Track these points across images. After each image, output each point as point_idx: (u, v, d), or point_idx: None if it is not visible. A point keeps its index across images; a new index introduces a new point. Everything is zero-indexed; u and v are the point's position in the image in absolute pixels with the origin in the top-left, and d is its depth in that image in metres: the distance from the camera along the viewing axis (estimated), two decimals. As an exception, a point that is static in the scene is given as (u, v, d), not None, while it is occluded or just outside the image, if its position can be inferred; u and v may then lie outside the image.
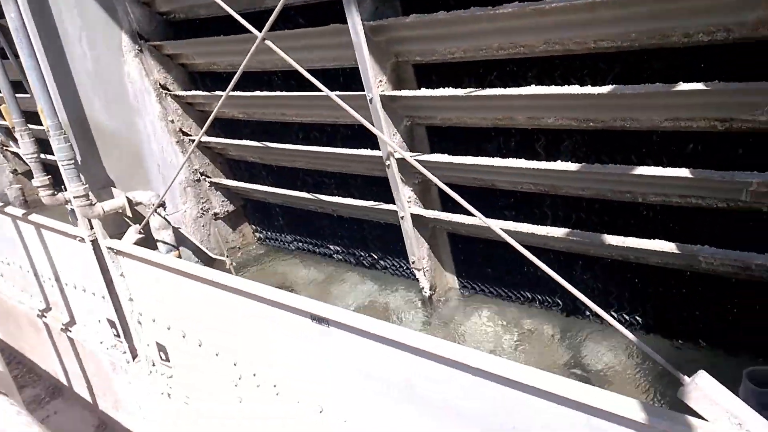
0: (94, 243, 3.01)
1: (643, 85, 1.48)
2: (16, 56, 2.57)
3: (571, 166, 1.75)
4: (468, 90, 1.83)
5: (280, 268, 3.50)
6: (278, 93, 2.51)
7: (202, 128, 3.28)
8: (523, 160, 1.87)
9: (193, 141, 3.24)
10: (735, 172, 1.46)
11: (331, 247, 3.27)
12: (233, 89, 2.01)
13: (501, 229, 1.64)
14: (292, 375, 2.11)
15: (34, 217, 3.49)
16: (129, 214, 2.94)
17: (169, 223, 2.90)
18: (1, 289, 4.60)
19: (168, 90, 3.10)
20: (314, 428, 2.06)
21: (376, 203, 2.47)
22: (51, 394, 4.74)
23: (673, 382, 1.85)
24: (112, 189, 2.95)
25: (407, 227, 2.32)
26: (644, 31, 1.47)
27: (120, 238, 2.96)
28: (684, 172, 1.52)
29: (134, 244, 2.87)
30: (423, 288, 2.50)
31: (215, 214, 3.51)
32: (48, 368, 4.62)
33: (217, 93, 2.87)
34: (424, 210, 2.28)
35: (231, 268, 2.61)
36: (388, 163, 2.18)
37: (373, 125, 2.11)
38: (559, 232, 1.91)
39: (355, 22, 1.89)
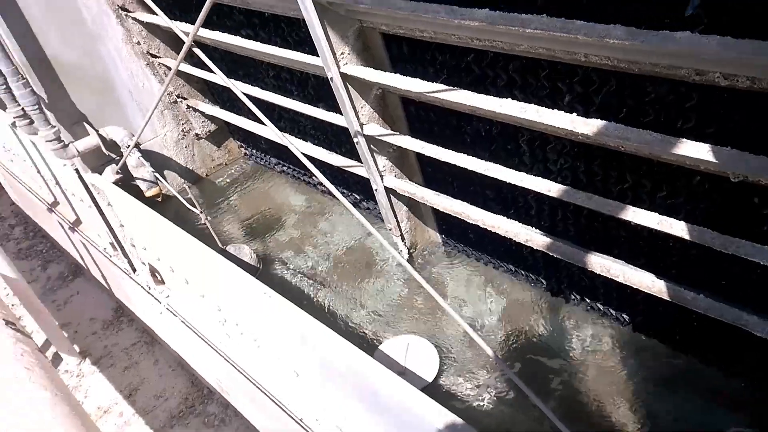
0: (77, 171, 2.96)
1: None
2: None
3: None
4: (440, 87, 1.57)
5: (268, 190, 3.43)
6: (240, 42, 2.22)
7: (171, 48, 3.02)
8: (502, 168, 1.66)
9: (165, 65, 2.98)
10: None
11: (314, 178, 3.14)
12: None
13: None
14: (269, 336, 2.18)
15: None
16: (106, 152, 2.83)
17: (144, 163, 2.80)
18: (17, 173, 4.63)
19: (128, 11, 2.76)
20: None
21: (349, 162, 2.30)
22: (73, 272, 5.04)
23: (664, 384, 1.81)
24: (85, 125, 2.82)
25: (381, 199, 2.19)
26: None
27: (101, 172, 2.91)
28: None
29: (113, 183, 2.82)
30: (400, 251, 2.44)
31: (197, 134, 3.35)
32: (66, 247, 4.82)
33: (181, 24, 2.54)
34: (401, 182, 2.12)
35: (207, 223, 2.56)
36: (356, 140, 1.98)
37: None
38: (541, 241, 1.77)
39: (304, 1, 1.57)
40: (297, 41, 2.10)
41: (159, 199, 2.97)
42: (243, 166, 3.65)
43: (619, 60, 1.18)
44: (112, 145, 2.84)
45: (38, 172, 4.04)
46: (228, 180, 3.57)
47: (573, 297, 2.15)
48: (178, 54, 3.04)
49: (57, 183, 3.81)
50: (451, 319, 2.35)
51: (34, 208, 4.95)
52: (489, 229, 1.89)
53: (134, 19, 2.78)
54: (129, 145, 2.71)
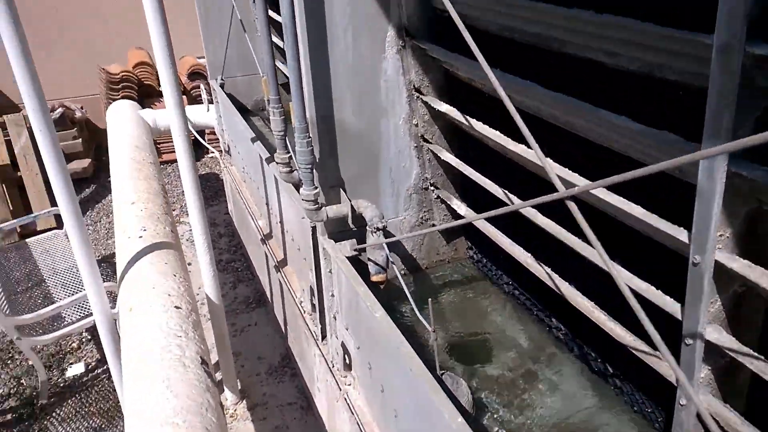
0: (314, 230, 2.92)
1: None
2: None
3: None
4: None
5: (486, 307, 3.07)
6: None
7: (444, 137, 2.89)
8: None
9: (433, 152, 2.84)
10: None
11: (554, 320, 2.71)
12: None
13: None
14: None
15: (273, 167, 3.52)
16: (350, 224, 2.74)
17: (384, 248, 2.64)
18: (245, 193, 4.96)
19: (421, 93, 2.69)
20: None
21: (647, 348, 1.83)
22: (257, 300, 5.17)
23: None
24: (341, 191, 2.77)
25: (684, 419, 1.67)
26: None
27: (336, 238, 2.82)
28: None
29: (346, 257, 2.70)
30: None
31: (434, 224, 3.17)
32: (261, 276, 4.96)
33: (475, 122, 2.37)
34: (719, 407, 1.60)
35: (435, 344, 2.27)
36: (688, 342, 1.52)
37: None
38: None
39: (714, 168, 1.20)
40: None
41: (382, 287, 2.78)
42: (465, 268, 3.37)
43: None
44: (358, 218, 2.75)
45: (266, 203, 4.22)
46: (445, 279, 3.31)
47: None
48: (448, 142, 2.92)
49: (280, 222, 3.90)
50: None
51: (246, 228, 5.23)
52: None
53: (423, 102, 2.71)
54: (378, 227, 2.58)
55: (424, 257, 3.26)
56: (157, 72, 7.68)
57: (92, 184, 6.99)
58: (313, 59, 2.39)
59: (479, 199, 2.93)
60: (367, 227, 2.65)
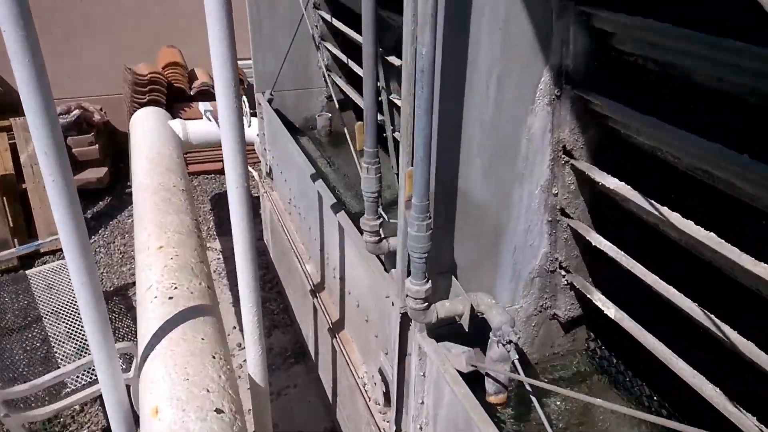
0: (403, 317, 2.25)
1: None
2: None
3: None
4: None
5: (611, 426, 2.38)
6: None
7: (588, 210, 2.20)
8: None
9: (573, 228, 2.14)
10: None
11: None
12: None
13: None
14: None
15: (341, 216, 2.85)
16: (465, 326, 2.06)
17: (516, 366, 1.95)
18: (287, 224, 4.25)
19: (572, 157, 2.00)
20: None
21: None
22: (297, 353, 4.48)
23: None
24: (454, 281, 2.08)
25: None
26: None
27: (437, 336, 2.15)
28: None
29: (458, 370, 2.02)
30: None
31: (555, 315, 2.48)
32: (303, 328, 4.25)
33: (669, 212, 1.66)
34: None
35: None
36: None
37: None
38: None
39: None
40: None
41: (500, 407, 2.10)
42: (582, 365, 2.67)
43: None
44: (475, 317, 2.06)
45: (321, 250, 3.55)
46: (558, 375, 2.62)
47: None
48: (592, 219, 2.23)
49: (340, 278, 3.26)
50: None
51: (288, 268, 4.54)
52: None
53: (574, 168, 2.01)
54: (510, 339, 1.89)
55: (536, 351, 2.58)
56: (188, 74, 7.01)
57: (107, 196, 6.30)
58: (444, 113, 1.71)
59: (618, 287, 2.24)
60: (492, 335, 1.97)
